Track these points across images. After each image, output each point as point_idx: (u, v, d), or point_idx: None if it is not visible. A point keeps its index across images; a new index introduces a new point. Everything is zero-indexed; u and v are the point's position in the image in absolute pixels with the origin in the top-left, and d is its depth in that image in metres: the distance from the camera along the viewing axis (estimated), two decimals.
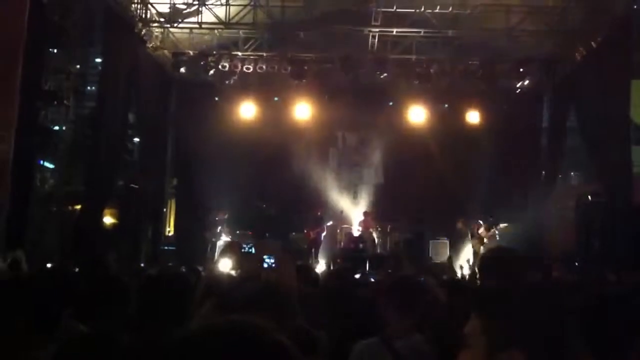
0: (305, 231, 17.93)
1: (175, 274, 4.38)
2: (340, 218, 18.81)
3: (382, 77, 17.49)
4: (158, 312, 3.70)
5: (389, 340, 3.72)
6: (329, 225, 18.36)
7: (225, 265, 6.78)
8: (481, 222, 17.23)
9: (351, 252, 17.04)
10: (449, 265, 16.62)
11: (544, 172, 19.11)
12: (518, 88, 18.31)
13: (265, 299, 3.45)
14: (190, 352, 1.16)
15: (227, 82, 18.11)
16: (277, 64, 17.64)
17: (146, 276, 6.16)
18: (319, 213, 18.05)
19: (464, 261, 17.14)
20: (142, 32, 16.26)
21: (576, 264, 14.54)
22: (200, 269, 9.12)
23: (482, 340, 1.96)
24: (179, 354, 1.17)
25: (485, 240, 16.61)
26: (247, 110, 18.74)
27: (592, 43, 15.87)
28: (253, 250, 16.44)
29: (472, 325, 2.04)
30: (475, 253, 16.73)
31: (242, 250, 16.41)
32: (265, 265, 15.92)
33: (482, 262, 3.94)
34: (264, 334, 1.19)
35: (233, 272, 6.54)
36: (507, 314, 1.93)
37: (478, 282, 3.95)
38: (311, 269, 8.18)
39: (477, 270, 4.38)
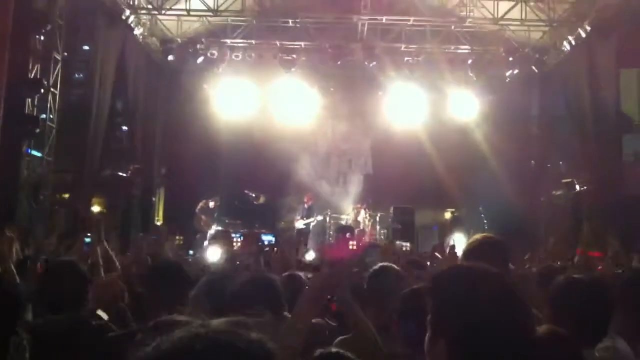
0: (296, 220, 17.96)
1: (171, 262, 4.35)
2: (329, 207, 18.80)
3: (371, 65, 17.47)
4: (155, 300, 3.68)
5: (366, 335, 3.45)
6: (318, 214, 18.36)
7: (215, 254, 6.77)
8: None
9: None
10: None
11: (533, 161, 19.18)
12: (507, 77, 18.31)
13: (257, 293, 3.45)
14: None
15: (215, 70, 18.04)
16: (266, 52, 17.56)
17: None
18: (310, 202, 18.03)
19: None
20: (130, 19, 16.12)
21: None
22: (191, 257, 9.11)
23: None
24: None
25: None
26: (236, 99, 18.63)
27: (581, 32, 15.89)
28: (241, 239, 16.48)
29: None
30: None
31: (232, 239, 16.45)
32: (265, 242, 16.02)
33: (466, 249, 3.92)
34: (253, 343, 1.15)
35: (223, 260, 6.53)
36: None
37: None
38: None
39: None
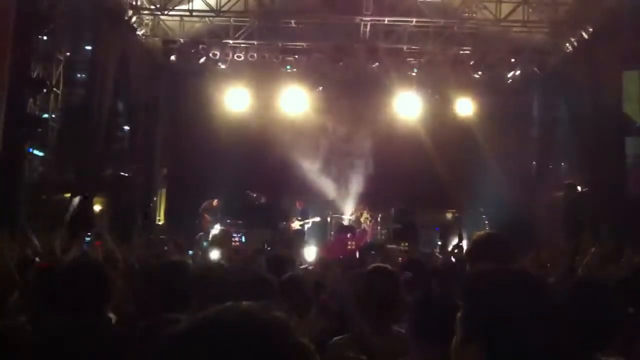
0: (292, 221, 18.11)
1: (174, 262, 4.34)
2: (331, 208, 18.86)
3: (373, 66, 17.47)
4: (159, 300, 3.67)
5: (361, 336, 3.55)
6: (314, 216, 18.49)
7: (216, 254, 6.77)
8: None
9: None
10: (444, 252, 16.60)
11: (534, 162, 19.17)
12: (509, 78, 18.30)
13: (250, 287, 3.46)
14: (198, 341, 1.15)
15: (217, 70, 18.04)
16: (268, 52, 17.57)
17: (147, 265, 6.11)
18: (301, 206, 18.26)
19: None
20: (133, 20, 16.14)
21: None
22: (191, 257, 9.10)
23: None
24: (186, 343, 1.16)
25: None
26: (238, 99, 18.63)
27: (583, 33, 15.88)
28: (244, 240, 16.53)
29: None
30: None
31: (233, 239, 16.47)
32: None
33: (471, 246, 3.88)
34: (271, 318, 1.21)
35: (222, 261, 6.53)
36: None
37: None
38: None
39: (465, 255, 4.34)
